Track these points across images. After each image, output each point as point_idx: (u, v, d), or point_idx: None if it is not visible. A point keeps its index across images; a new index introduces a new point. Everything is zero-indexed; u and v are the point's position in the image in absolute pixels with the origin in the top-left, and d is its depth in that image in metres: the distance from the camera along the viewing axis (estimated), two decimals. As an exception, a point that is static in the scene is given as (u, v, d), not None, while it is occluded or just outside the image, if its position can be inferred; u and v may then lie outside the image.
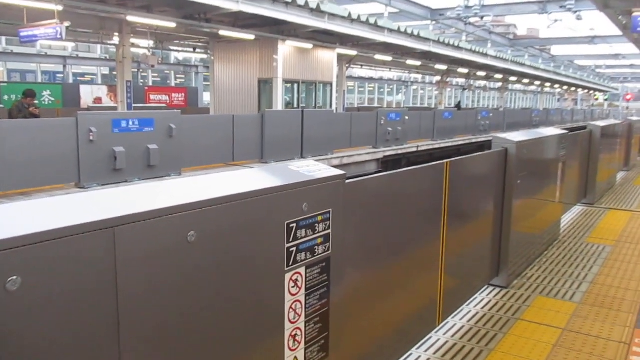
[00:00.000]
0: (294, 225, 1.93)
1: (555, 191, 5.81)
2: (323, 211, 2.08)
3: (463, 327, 3.66)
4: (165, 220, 1.46)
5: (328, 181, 2.10)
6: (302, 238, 1.98)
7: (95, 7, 12.73)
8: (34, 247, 1.18)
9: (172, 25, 14.48)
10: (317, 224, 2.05)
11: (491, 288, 4.43)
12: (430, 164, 3.19)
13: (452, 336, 3.51)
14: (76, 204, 1.42)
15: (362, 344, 2.65)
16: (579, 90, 61.48)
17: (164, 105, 25.63)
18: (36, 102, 11.02)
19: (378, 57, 23.36)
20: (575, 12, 23.73)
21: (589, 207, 8.05)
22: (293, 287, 1.97)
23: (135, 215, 1.38)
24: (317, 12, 15.70)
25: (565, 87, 54.90)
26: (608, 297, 4.28)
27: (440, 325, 3.58)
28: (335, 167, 2.26)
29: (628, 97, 67.50)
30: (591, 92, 65.46)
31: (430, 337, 3.46)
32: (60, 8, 11.33)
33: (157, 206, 1.44)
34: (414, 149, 17.15)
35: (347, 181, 2.25)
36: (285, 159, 11.99)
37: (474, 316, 3.86)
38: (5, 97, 20.61)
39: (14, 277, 1.15)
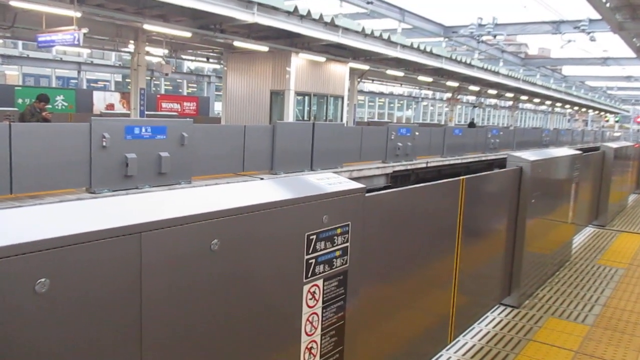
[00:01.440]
0: (314, 237, 1.93)
1: (567, 212, 5.77)
2: (342, 224, 2.07)
3: (474, 345, 3.62)
4: (191, 228, 1.46)
5: (348, 194, 2.10)
6: (321, 250, 1.97)
7: (113, 15, 12.88)
8: (63, 250, 1.19)
9: (188, 35, 14.62)
10: (336, 237, 2.05)
11: (502, 307, 4.39)
12: (446, 180, 3.18)
13: (464, 355, 3.47)
14: (103, 208, 1.43)
15: (375, 359, 2.63)
16: (590, 111, 61.31)
17: (175, 113, 25.80)
18: (48, 106, 11.11)
19: (390, 72, 23.43)
20: (589, 33, 23.74)
21: (601, 229, 7.98)
22: (311, 299, 1.96)
23: (161, 221, 1.38)
24: (331, 25, 15.80)
25: (576, 108, 54.77)
26: (621, 320, 4.23)
27: (452, 344, 3.55)
28: (353, 180, 2.26)
29: (639, 119, 67.16)
30: (602, 113, 65.25)
31: (442, 355, 3.42)
32: (78, 15, 11.48)
33: (183, 213, 1.45)
34: (424, 165, 17.13)
35: (367, 194, 2.24)
36: (294, 171, 12.01)
37: (485, 335, 3.82)
38: (20, 101, 20.84)
39: (43, 280, 1.16)
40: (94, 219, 1.30)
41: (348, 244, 2.12)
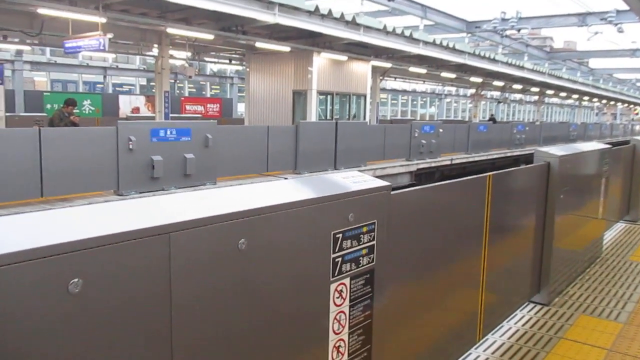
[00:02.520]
0: (340, 235, 1.93)
1: (597, 207, 5.66)
2: (368, 222, 2.07)
3: (504, 344, 3.57)
4: (218, 227, 1.47)
5: (374, 192, 2.09)
6: (347, 249, 1.97)
7: (136, 20, 13.07)
8: (95, 250, 1.21)
9: (210, 37, 14.76)
10: (362, 235, 2.04)
11: (532, 305, 4.33)
12: (472, 176, 3.14)
13: (493, 353, 3.43)
14: (132, 209, 1.45)
15: (403, 357, 2.62)
16: (619, 104, 59.96)
17: (199, 115, 26.08)
18: (76, 110, 11.34)
19: (412, 69, 23.28)
20: (617, 24, 23.21)
21: (632, 224, 7.80)
22: (338, 297, 1.96)
23: (190, 221, 1.40)
24: (353, 24, 15.77)
25: (604, 101, 53.64)
26: (655, 318, 4.13)
27: (480, 342, 3.51)
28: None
29: (670, 111, 65.44)
30: (631, 106, 63.74)
31: (470, 354, 3.38)
32: (104, 20, 11.69)
33: (211, 213, 1.46)
34: (448, 162, 16.97)
35: (392, 192, 2.23)
36: (318, 170, 12.02)
37: (514, 333, 3.76)
38: (48, 106, 21.32)
39: (76, 280, 1.18)
40: (125, 220, 1.33)
41: (374, 242, 2.11)
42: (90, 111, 22.51)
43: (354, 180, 2.13)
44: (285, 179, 11.06)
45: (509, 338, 3.67)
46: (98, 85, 30.08)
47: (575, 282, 5.01)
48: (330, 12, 14.74)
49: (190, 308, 1.43)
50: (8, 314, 1.08)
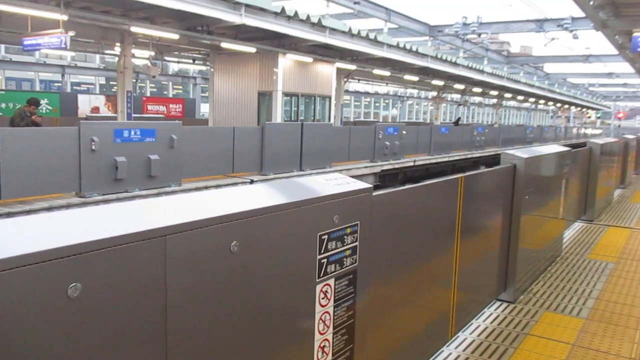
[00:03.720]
0: (326, 237, 1.96)
1: (558, 207, 5.87)
2: (352, 223, 2.11)
3: (474, 341, 3.68)
4: (213, 230, 1.48)
5: (357, 194, 2.13)
6: (332, 250, 2.01)
7: (99, 18, 12.79)
8: (94, 254, 1.21)
9: (175, 36, 14.56)
10: (346, 236, 2.08)
11: (499, 303, 4.46)
12: (446, 178, 3.23)
13: (464, 350, 3.53)
14: (127, 212, 1.45)
15: (381, 356, 2.67)
16: (572, 107, 62.08)
17: (162, 115, 25.66)
18: (37, 110, 11.03)
19: (376, 71, 23.54)
20: (572, 31, 24.06)
21: (589, 223, 8.12)
22: (323, 298, 1.99)
23: (186, 224, 1.40)
24: (318, 26, 15.84)
25: (558, 105, 55.43)
26: (614, 313, 4.32)
27: (452, 339, 3.60)
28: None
29: (620, 115, 68.23)
30: (584, 109, 66.11)
31: (443, 351, 3.47)
32: (65, 18, 11.38)
33: (206, 215, 1.47)
34: (411, 164, 17.23)
35: (373, 194, 2.28)
36: (284, 172, 12.03)
37: (483, 330, 3.88)
38: (2, 105, 20.58)
39: (75, 284, 1.17)
40: (121, 223, 1.32)
41: (357, 243, 2.15)
42: (48, 110, 21.85)
43: (337, 182, 2.16)
44: (252, 180, 11.02)
45: (478, 335, 3.78)
46: (55, 84, 29.22)
47: (539, 280, 5.18)
48: (296, 13, 14.77)
49: (185, 308, 1.44)
50: (9, 317, 1.07)
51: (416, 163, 17.54)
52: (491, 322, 4.04)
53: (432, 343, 3.37)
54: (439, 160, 19.13)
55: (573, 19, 23.74)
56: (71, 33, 11.39)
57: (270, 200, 1.73)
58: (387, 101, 48.61)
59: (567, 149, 5.98)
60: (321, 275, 1.96)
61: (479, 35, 27.96)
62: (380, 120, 44.34)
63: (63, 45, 11.26)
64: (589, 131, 44.35)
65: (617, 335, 3.87)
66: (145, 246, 1.32)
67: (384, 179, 15.75)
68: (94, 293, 1.21)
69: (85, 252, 1.19)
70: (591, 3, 12.41)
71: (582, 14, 15.99)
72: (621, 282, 5.18)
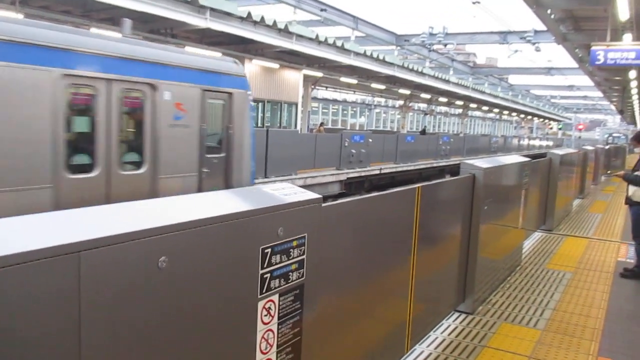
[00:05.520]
0: (269, 250, 1.85)
1: (518, 217, 5.90)
2: (298, 236, 2.00)
3: (431, 354, 3.61)
4: (136, 244, 1.36)
5: (305, 204, 2.03)
6: (276, 264, 1.90)
7: (59, 17, 12.40)
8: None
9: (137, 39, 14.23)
10: (292, 249, 1.98)
11: (457, 314, 4.42)
12: (402, 188, 3.16)
13: (420, 364, 3.46)
14: (37, 224, 1.30)
15: (332, 374, 2.56)
16: (535, 118, 63.64)
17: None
18: None
19: (343, 79, 23.58)
20: (534, 43, 24.64)
21: (548, 233, 8.22)
22: (266, 315, 1.87)
23: (104, 238, 1.27)
24: (285, 32, 15.76)
25: (522, 116, 56.74)
26: (570, 324, 4.33)
27: (409, 353, 3.52)
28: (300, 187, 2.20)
29: (580, 127, 70.20)
30: (546, 121, 67.85)
31: (399, 365, 3.39)
32: (21, 17, 10.98)
33: (128, 229, 1.34)
34: (377, 172, 17.27)
35: (323, 205, 2.18)
36: (248, 178, 11.84)
37: (440, 343, 3.82)
38: None
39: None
40: (30, 238, 1.19)
41: (304, 256, 2.05)
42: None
43: (284, 192, 2.06)
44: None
45: (435, 348, 3.72)
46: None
47: (498, 290, 5.18)
48: (262, 19, 14.65)
49: (100, 326, 1.30)
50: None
51: (382, 171, 17.59)
52: (449, 334, 3.99)
53: (388, 357, 3.28)
54: (404, 168, 19.24)
55: (536, 31, 24.33)
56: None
57: (206, 211, 1.61)
58: (354, 109, 48.82)
59: (527, 159, 6.02)
60: (264, 291, 1.85)
61: (445, 45, 28.38)
62: (348, 128, 44.50)
63: (19, 45, 10.84)
64: (537, 144, 44.52)
65: (573, 347, 3.86)
66: (54, 264, 1.18)
67: (350, 186, 15.72)
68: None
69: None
70: (552, 17, 12.69)
71: (544, 27, 16.37)
72: (577, 292, 5.21)
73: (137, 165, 6.82)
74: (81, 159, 6.20)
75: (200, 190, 7.45)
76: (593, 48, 10.04)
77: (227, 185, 8.11)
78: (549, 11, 12.27)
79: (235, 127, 8.23)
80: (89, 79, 6.16)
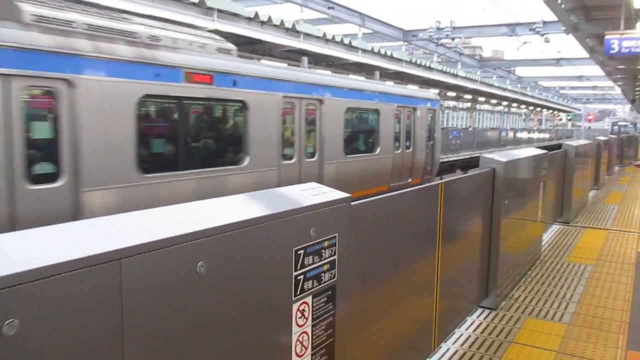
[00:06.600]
0: (302, 252, 1.83)
1: (537, 210, 5.84)
2: (329, 236, 1.98)
3: (457, 351, 3.57)
4: (176, 250, 1.33)
5: (334, 204, 2.00)
6: (309, 265, 1.87)
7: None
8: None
9: (146, 42, 14.26)
10: (323, 250, 1.95)
11: (480, 310, 4.38)
12: (425, 185, 3.12)
13: (448, 361, 3.42)
14: (76, 233, 1.29)
15: (363, 374, 2.54)
16: (544, 110, 63.14)
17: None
18: None
19: (351, 76, 23.49)
20: (543, 34, 24.40)
21: (566, 225, 8.14)
22: (300, 317, 1.85)
23: (144, 245, 1.25)
24: (292, 31, 15.72)
25: (531, 108, 56.30)
26: (596, 317, 4.27)
27: (436, 351, 3.49)
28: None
29: (589, 117, 69.62)
30: (555, 112, 67.29)
31: (426, 363, 3.36)
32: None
33: (167, 234, 1.32)
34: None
35: (352, 204, 2.15)
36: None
37: (466, 340, 3.78)
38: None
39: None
40: (67, 247, 1.17)
41: (335, 256, 2.02)
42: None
43: (313, 192, 2.03)
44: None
45: (461, 345, 3.68)
46: None
47: (519, 284, 5.12)
48: (270, 19, 14.61)
49: (145, 344, 1.29)
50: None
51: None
52: (474, 331, 3.94)
53: (415, 355, 3.25)
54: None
55: (544, 22, 24.07)
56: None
57: (240, 215, 1.59)
58: (362, 106, 48.67)
59: (544, 151, 5.95)
60: (298, 293, 1.83)
61: (453, 39, 28.19)
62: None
63: None
64: (536, 137, 43.76)
65: (601, 341, 3.81)
66: (96, 272, 1.16)
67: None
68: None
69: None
70: (563, 7, 12.55)
71: (554, 18, 16.21)
72: (601, 284, 5.15)
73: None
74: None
75: (428, 158, 13.32)
76: (607, 37, 9.90)
77: (433, 158, 13.84)
78: (559, 1, 12.13)
79: (435, 128, 13.98)
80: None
